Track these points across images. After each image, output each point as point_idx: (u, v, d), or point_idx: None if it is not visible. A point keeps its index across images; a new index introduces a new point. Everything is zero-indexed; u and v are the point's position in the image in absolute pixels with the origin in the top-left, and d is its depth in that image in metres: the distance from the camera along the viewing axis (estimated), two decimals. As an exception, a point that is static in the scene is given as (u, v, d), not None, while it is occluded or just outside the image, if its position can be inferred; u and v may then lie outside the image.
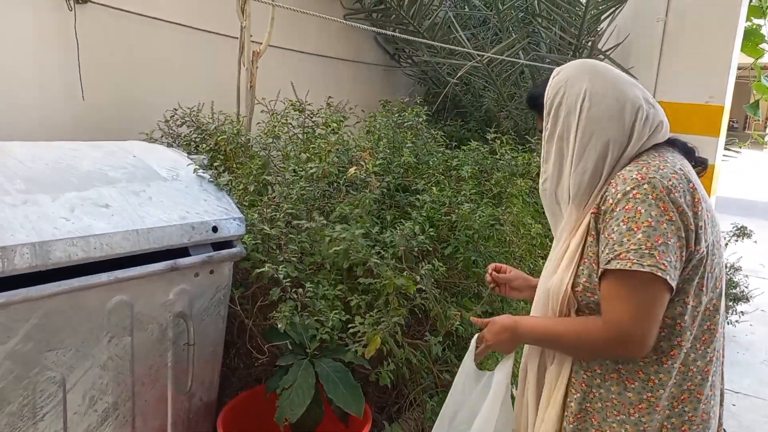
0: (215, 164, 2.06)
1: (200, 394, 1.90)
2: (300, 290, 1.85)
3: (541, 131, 1.35)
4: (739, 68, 4.18)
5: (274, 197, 2.12)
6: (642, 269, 1.10)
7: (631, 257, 1.11)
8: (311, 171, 2.13)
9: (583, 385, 1.29)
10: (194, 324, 1.78)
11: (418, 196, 2.43)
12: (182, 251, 1.75)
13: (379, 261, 1.87)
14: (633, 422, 1.22)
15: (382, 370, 1.99)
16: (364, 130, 2.85)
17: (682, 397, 1.22)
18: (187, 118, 2.71)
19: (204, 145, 2.63)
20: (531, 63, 3.83)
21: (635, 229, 1.13)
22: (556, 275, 1.29)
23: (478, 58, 3.82)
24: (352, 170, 2.22)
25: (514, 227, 2.27)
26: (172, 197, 1.81)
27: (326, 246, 1.89)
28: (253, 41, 2.93)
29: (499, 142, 2.74)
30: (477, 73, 4.30)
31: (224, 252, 1.83)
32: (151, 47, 3.02)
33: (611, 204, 1.18)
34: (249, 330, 2.02)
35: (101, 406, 1.62)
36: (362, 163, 2.27)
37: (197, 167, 1.97)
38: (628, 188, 1.16)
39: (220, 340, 1.93)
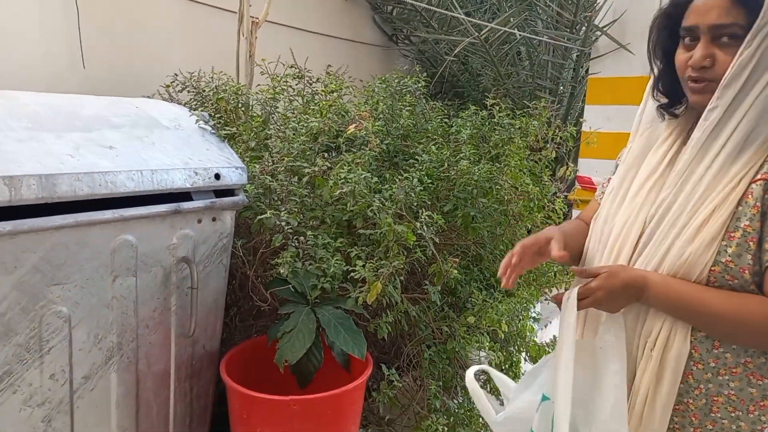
0: (216, 117, 2.08)
1: (203, 341, 1.92)
2: (301, 238, 1.87)
3: (716, 27, 1.02)
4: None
5: (276, 151, 2.14)
6: None
7: None
8: (311, 124, 2.15)
9: (690, 377, 1.10)
10: (197, 270, 1.80)
11: (417, 157, 2.45)
12: (185, 196, 1.77)
13: (380, 206, 1.89)
14: (750, 420, 1.08)
15: (381, 322, 2.01)
16: (363, 97, 2.87)
17: None
18: (188, 83, 2.73)
19: (204, 109, 2.65)
20: (529, 36, 3.85)
21: None
22: (693, 245, 1.06)
23: (476, 34, 3.85)
24: (351, 128, 2.24)
25: (512, 186, 2.29)
26: (175, 144, 1.83)
27: (329, 191, 1.91)
28: (252, 17, 2.96)
29: (497, 107, 2.76)
30: (475, 52, 4.34)
31: (227, 199, 1.85)
32: (151, 17, 3.03)
33: None
34: (251, 281, 2.04)
35: (106, 344, 1.64)
36: (362, 122, 2.29)
37: (199, 119, 1.99)
38: None
39: (223, 289, 1.95)
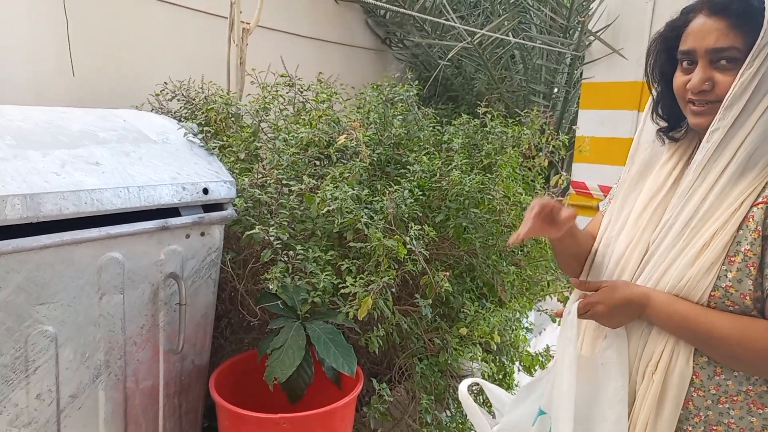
0: (205, 129, 2.06)
1: (192, 356, 1.91)
2: (291, 252, 1.86)
3: (715, 51, 1.02)
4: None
5: (265, 163, 2.12)
6: None
7: None
8: (301, 135, 2.13)
9: (690, 404, 1.09)
10: (186, 286, 1.79)
11: (408, 167, 2.44)
12: (173, 212, 1.76)
13: (369, 221, 1.88)
14: None
15: (372, 336, 2.00)
16: (354, 106, 2.86)
17: None
18: (177, 92, 2.71)
19: (194, 119, 2.64)
20: (522, 42, 3.85)
21: None
22: (692, 270, 1.05)
23: (470, 39, 3.84)
24: (342, 138, 2.23)
25: (505, 196, 2.28)
26: (163, 159, 1.82)
27: (316, 207, 1.90)
28: (243, 22, 2.94)
29: (489, 116, 2.75)
30: (468, 56, 4.33)
31: (215, 214, 1.84)
32: (140, 23, 3.01)
33: None
34: (240, 295, 2.03)
35: (93, 362, 1.63)
36: (353, 132, 2.28)
37: (187, 131, 1.98)
38: None
39: (212, 304, 1.94)
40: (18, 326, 1.45)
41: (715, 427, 1.08)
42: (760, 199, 1.01)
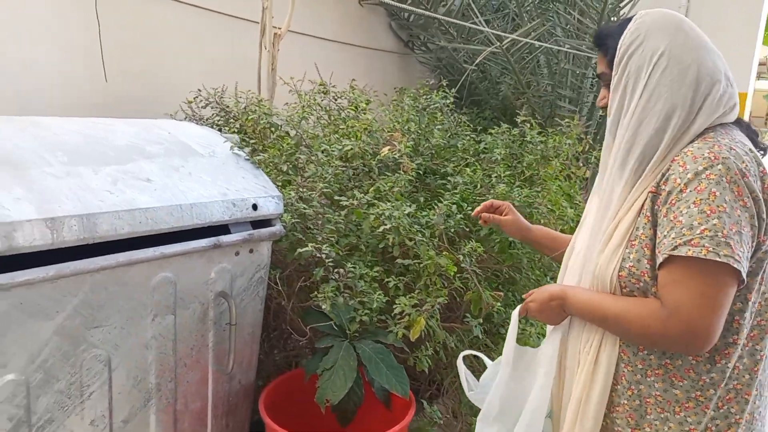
0: (251, 142, 2.01)
1: (239, 376, 1.86)
2: (341, 270, 1.81)
3: (599, 75, 1.27)
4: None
5: (309, 176, 2.07)
6: (717, 258, 1.01)
7: (706, 244, 1.01)
8: (346, 149, 2.08)
9: (623, 379, 1.20)
10: (234, 304, 1.74)
11: (449, 178, 2.39)
12: (223, 229, 1.71)
13: (424, 240, 1.83)
14: (677, 420, 1.14)
15: (420, 355, 1.95)
16: (387, 114, 2.81)
17: (728, 397, 1.13)
18: (211, 99, 2.66)
19: (228, 128, 2.59)
20: (552, 46, 3.78)
21: (708, 213, 1.02)
22: (602, 256, 1.19)
23: (498, 44, 3.78)
24: (385, 150, 2.18)
25: (550, 209, 2.23)
26: (211, 173, 1.77)
27: (368, 224, 1.85)
28: (274, 27, 2.89)
29: (528, 125, 2.70)
30: (494, 60, 4.27)
31: (264, 230, 1.79)
32: (172, 29, 2.96)
33: (679, 184, 1.07)
34: (286, 311, 1.98)
35: (144, 386, 1.58)
36: (394, 143, 2.22)
37: (233, 144, 1.93)
38: (700, 168, 1.05)
39: (259, 322, 1.89)
40: (73, 351, 1.40)
41: (647, 400, 1.17)
42: (651, 187, 1.13)
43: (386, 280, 1.95)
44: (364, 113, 2.43)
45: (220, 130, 2.63)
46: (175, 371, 1.65)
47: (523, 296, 1.40)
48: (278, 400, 1.88)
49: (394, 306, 1.81)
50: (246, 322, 1.83)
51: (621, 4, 3.92)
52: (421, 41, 4.78)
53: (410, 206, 1.91)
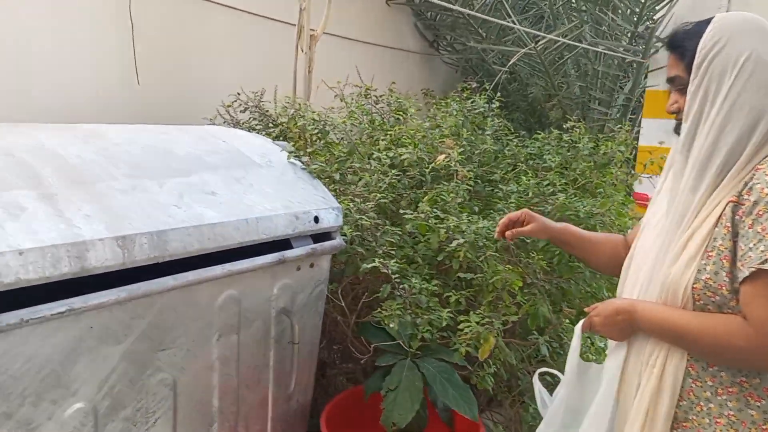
0: (307, 150, 1.93)
1: (297, 395, 1.78)
2: (406, 286, 1.72)
3: (670, 79, 1.20)
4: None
5: (361, 185, 1.99)
6: None
7: None
8: (404, 157, 2.00)
9: (690, 394, 1.14)
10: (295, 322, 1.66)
11: (500, 186, 2.31)
12: (285, 243, 1.63)
13: (495, 254, 1.75)
14: None
15: (483, 374, 1.87)
16: (428, 118, 2.72)
17: None
18: (250, 104, 2.58)
19: (267, 133, 2.51)
20: (588, 47, 3.70)
21: None
22: (675, 267, 1.12)
23: (533, 45, 3.69)
24: (441, 158, 2.09)
25: (612, 221, 2.14)
26: (272, 185, 1.68)
27: (437, 238, 1.77)
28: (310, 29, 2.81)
29: (577, 130, 2.61)
30: (526, 61, 4.18)
31: (327, 244, 1.71)
32: (205, 30, 2.88)
33: (766, 194, 1.03)
34: (341, 326, 1.90)
35: (208, 410, 1.50)
36: (449, 150, 2.14)
37: (290, 153, 1.84)
38: None
39: (317, 339, 1.81)
40: (140, 376, 1.32)
41: (718, 420, 1.10)
42: (731, 197, 1.08)
43: (446, 294, 1.87)
44: (414, 119, 2.34)
45: (258, 133, 2.56)
46: (237, 393, 1.57)
47: (586, 309, 1.34)
48: (340, 418, 1.80)
49: (465, 323, 1.72)
50: (305, 340, 1.75)
51: (657, 7, 3.83)
52: (447, 41, 4.69)
53: (478, 219, 1.82)
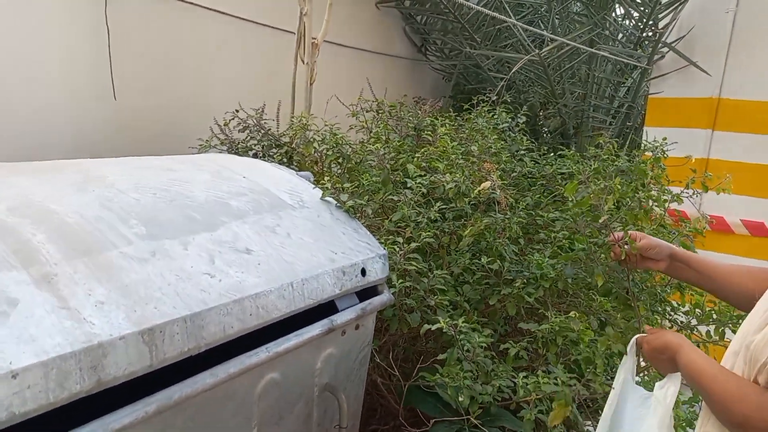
0: (343, 186, 1.63)
1: (341, 481, 1.48)
2: (469, 347, 1.45)
3: None
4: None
5: (402, 220, 1.71)
6: None
7: None
8: (448, 187, 1.72)
9: None
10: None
11: (538, 211, 2.07)
12: (329, 305, 1.33)
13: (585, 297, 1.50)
14: None
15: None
16: (452, 134, 2.45)
17: None
18: (249, 121, 2.26)
19: (271, 154, 2.21)
20: (595, 52, 3.51)
21: None
22: (758, 336, 1.02)
23: (536, 52, 3.48)
24: (486, 185, 1.83)
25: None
26: (310, 232, 1.38)
27: (518, 287, 1.51)
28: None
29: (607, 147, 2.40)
30: (525, 68, 3.97)
31: (375, 300, 1.42)
32: (190, 38, 2.54)
33: None
34: (382, 390, 1.62)
35: None
36: (492, 176, 1.88)
37: (325, 190, 1.54)
38: None
39: (359, 412, 1.52)
40: (169, 501, 1.01)
41: None
42: None
43: (503, 346, 1.61)
44: (443, 139, 2.06)
45: (255, 155, 2.24)
46: (279, 496, 1.27)
47: (644, 328, 1.33)
48: None
49: (541, 384, 1.47)
50: (348, 414, 1.46)
51: (661, 15, 3.68)
52: (437, 46, 4.44)
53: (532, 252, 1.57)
